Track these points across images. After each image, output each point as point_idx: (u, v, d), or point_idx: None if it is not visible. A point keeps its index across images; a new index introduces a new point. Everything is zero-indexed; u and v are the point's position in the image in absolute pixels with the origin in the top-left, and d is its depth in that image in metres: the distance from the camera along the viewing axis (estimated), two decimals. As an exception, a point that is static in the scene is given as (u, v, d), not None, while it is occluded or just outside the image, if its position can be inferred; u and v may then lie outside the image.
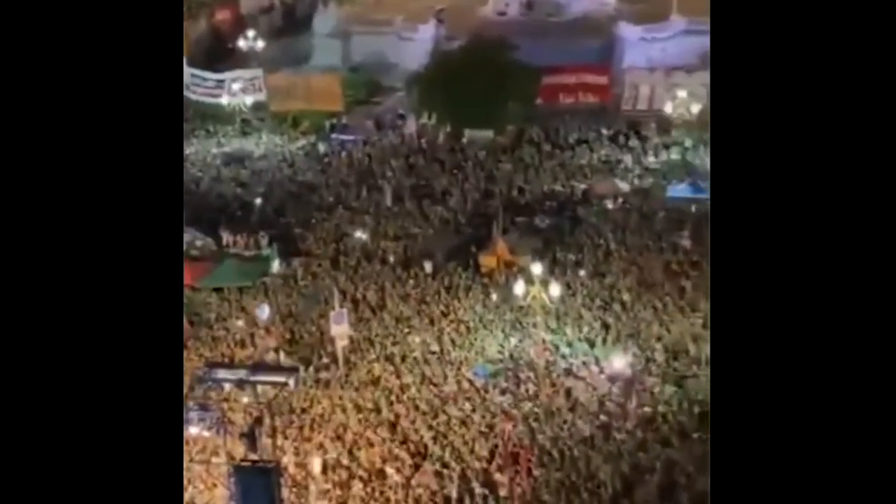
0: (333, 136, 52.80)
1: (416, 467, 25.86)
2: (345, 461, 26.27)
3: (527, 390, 29.03)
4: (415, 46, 57.29)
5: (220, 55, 61.58)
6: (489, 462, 25.80)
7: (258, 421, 27.11)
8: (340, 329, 30.66)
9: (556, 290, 31.08)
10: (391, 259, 37.97)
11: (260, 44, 58.33)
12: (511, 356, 30.86)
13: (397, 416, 27.99)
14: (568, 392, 28.81)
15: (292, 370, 29.47)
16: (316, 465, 25.97)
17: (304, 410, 28.61)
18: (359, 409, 28.44)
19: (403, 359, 30.99)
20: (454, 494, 24.77)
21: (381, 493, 25.17)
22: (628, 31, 57.51)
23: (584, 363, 30.28)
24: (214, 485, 25.77)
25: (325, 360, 31.14)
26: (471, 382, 29.53)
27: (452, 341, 31.80)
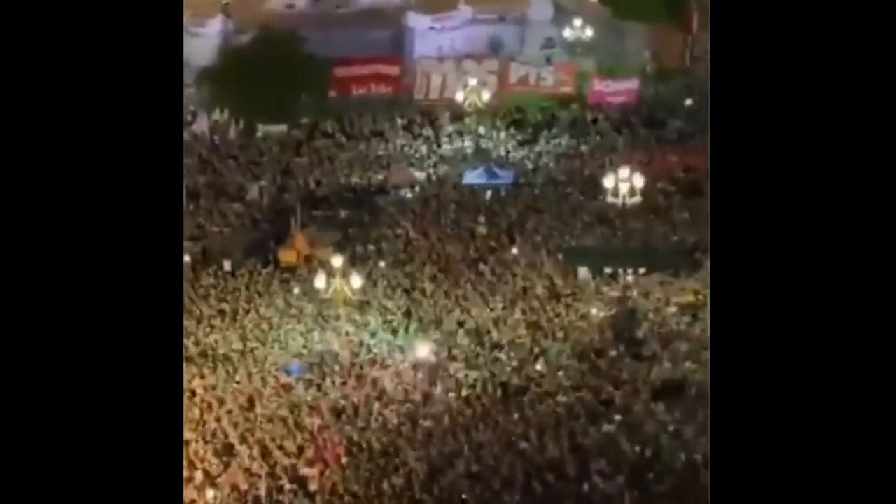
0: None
1: (225, 467, 25.49)
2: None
3: (333, 382, 28.99)
4: (203, 42, 56.31)
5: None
6: (298, 457, 25.65)
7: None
8: (140, 332, 29.88)
9: (357, 281, 31.12)
10: (188, 258, 37.31)
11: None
12: (315, 350, 30.77)
13: (203, 416, 27.53)
14: (374, 382, 28.90)
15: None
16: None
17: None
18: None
19: (206, 358, 30.52)
20: (263, 493, 24.54)
21: (188, 495, 24.70)
22: (417, 21, 58.03)
23: (388, 353, 30.44)
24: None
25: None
26: (276, 378, 29.30)
27: (256, 338, 31.49)
